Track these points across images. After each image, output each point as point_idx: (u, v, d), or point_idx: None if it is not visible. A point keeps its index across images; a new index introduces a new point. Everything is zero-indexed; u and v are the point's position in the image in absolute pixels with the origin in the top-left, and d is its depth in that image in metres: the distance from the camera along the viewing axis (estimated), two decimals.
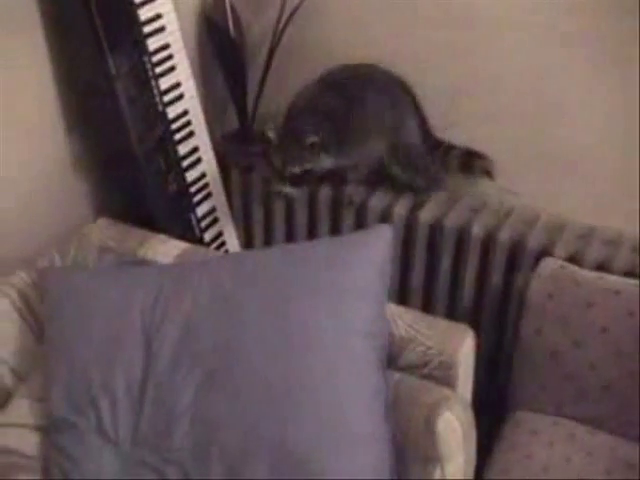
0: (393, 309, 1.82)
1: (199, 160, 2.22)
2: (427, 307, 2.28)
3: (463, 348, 1.76)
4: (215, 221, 2.28)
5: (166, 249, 1.98)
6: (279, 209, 2.33)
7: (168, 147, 2.12)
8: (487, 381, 2.20)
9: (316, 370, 1.63)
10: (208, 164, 2.25)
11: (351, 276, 1.70)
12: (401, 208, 2.22)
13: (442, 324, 1.81)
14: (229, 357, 1.66)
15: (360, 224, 2.25)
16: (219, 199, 2.29)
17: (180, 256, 1.95)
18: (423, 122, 2.23)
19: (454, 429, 1.64)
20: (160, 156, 2.10)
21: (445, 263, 2.21)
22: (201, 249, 2.03)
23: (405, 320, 1.80)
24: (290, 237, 2.35)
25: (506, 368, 2.12)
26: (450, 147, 2.26)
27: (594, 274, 1.99)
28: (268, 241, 2.41)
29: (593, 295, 1.95)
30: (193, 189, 2.21)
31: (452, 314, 2.25)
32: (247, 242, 2.42)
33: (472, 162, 2.25)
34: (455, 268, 2.22)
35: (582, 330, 1.95)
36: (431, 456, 1.64)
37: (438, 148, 2.25)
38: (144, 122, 2.05)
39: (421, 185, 2.25)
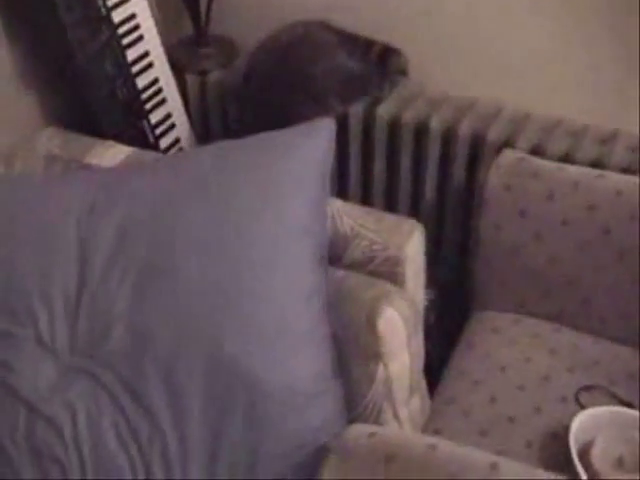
0: (339, 205, 1.67)
1: (150, 65, 2.06)
2: (389, 206, 2.12)
3: (410, 243, 1.61)
4: (171, 127, 2.13)
5: (113, 154, 1.83)
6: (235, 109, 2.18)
7: (116, 52, 1.96)
8: (452, 281, 2.06)
9: (251, 267, 1.48)
10: (161, 69, 2.09)
11: (290, 171, 1.56)
12: (358, 105, 2.05)
13: (389, 219, 1.66)
14: (164, 258, 1.51)
15: None
16: (175, 105, 2.14)
17: (126, 160, 1.81)
18: (353, 46, 2.09)
19: (396, 326, 1.50)
20: (107, 62, 1.94)
21: (405, 160, 2.05)
22: (148, 153, 1.87)
23: (351, 216, 1.65)
24: None
25: (470, 267, 1.98)
26: (371, 42, 2.10)
27: (554, 165, 1.83)
28: None
29: (553, 187, 1.79)
30: (145, 95, 2.05)
31: (415, 213, 2.09)
32: None
33: (388, 59, 2.09)
34: (416, 165, 2.05)
35: (542, 223, 1.80)
36: (373, 355, 1.50)
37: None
38: (85, 27, 1.88)
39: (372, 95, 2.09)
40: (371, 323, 1.48)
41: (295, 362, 1.47)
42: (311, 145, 1.60)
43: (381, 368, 1.50)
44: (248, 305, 1.47)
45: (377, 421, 1.54)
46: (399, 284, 1.61)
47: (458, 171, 2.00)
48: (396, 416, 1.56)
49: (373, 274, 1.61)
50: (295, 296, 1.49)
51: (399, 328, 1.51)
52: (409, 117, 2.01)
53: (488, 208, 1.83)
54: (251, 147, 1.62)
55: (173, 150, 2.14)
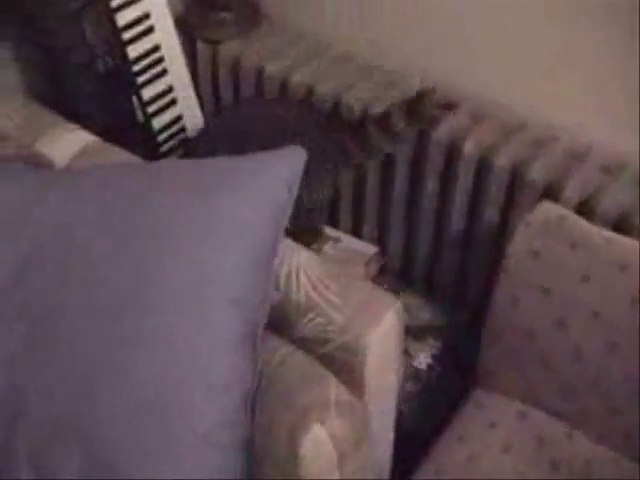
0: (301, 261, 1.24)
1: (151, 30, 1.63)
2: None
3: (377, 329, 1.18)
4: (172, 103, 1.71)
5: (66, 143, 1.45)
6: (249, 86, 1.74)
7: (99, 14, 1.54)
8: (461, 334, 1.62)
9: (153, 344, 1.10)
10: (164, 35, 1.66)
11: (231, 218, 1.14)
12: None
13: (361, 291, 1.22)
14: (56, 314, 1.14)
15: None
16: (179, 77, 1.71)
17: (78, 156, 1.42)
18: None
19: (323, 450, 1.10)
20: (86, 25, 1.53)
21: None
22: (107, 147, 1.45)
23: (312, 279, 1.23)
24: None
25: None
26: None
27: (604, 235, 1.32)
28: None
29: (593, 265, 1.30)
30: (138, 67, 1.63)
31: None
32: None
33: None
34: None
35: (569, 309, 1.32)
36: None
37: None
38: None
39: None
40: (292, 443, 1.08)
41: (186, 477, 1.09)
42: (265, 181, 1.17)
43: None
44: (137, 394, 1.09)
45: None
46: (355, 376, 1.19)
47: (489, 210, 1.52)
48: None
49: (326, 359, 1.19)
50: (202, 384, 1.09)
51: (326, 452, 1.10)
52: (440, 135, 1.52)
53: (507, 276, 1.36)
54: (184, 179, 1.20)
55: (172, 129, 1.72)
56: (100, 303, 1.12)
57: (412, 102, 1.51)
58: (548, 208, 1.37)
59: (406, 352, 1.61)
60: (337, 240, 1.72)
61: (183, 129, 1.75)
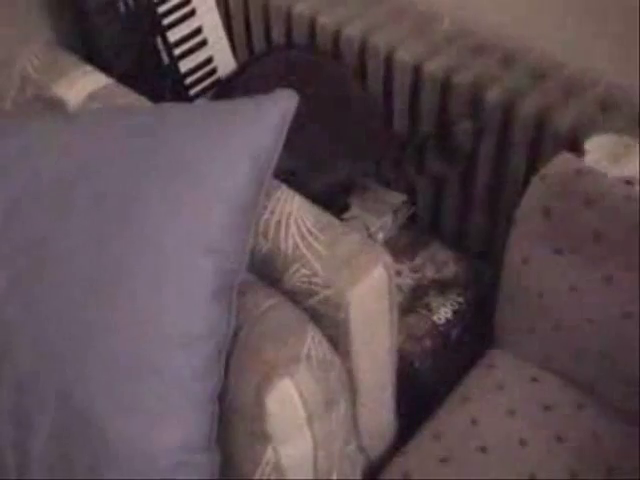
0: (294, 208, 1.18)
1: None
2: None
3: (361, 283, 1.11)
4: (201, 45, 1.66)
5: (81, 86, 1.42)
6: (280, 28, 1.65)
7: None
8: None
9: (125, 293, 1.06)
10: None
11: (206, 165, 1.09)
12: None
13: (350, 241, 1.15)
14: (41, 258, 1.11)
15: None
16: (209, 17, 1.65)
17: (88, 99, 1.39)
18: None
19: (291, 405, 1.05)
20: None
21: None
22: (118, 90, 1.41)
23: (301, 229, 1.16)
24: None
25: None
26: None
27: (624, 192, 1.21)
28: None
29: (606, 225, 1.19)
30: (164, 7, 1.58)
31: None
32: None
33: None
34: None
35: (580, 271, 1.21)
36: (259, 434, 1.06)
37: None
38: None
39: None
40: (259, 396, 1.03)
41: (157, 428, 1.05)
42: (247, 126, 1.11)
43: (269, 451, 1.06)
44: (107, 338, 1.06)
45: None
46: (341, 333, 1.13)
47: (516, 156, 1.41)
48: None
49: (312, 313, 1.13)
50: (174, 333, 1.05)
51: (294, 408, 1.05)
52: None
53: (518, 233, 1.26)
54: (174, 122, 1.15)
55: (201, 72, 1.67)
56: (77, 251, 1.09)
57: (444, 138, 1.47)
58: (566, 160, 1.26)
59: (427, 306, 1.53)
60: (365, 189, 1.66)
61: (214, 71, 1.70)
